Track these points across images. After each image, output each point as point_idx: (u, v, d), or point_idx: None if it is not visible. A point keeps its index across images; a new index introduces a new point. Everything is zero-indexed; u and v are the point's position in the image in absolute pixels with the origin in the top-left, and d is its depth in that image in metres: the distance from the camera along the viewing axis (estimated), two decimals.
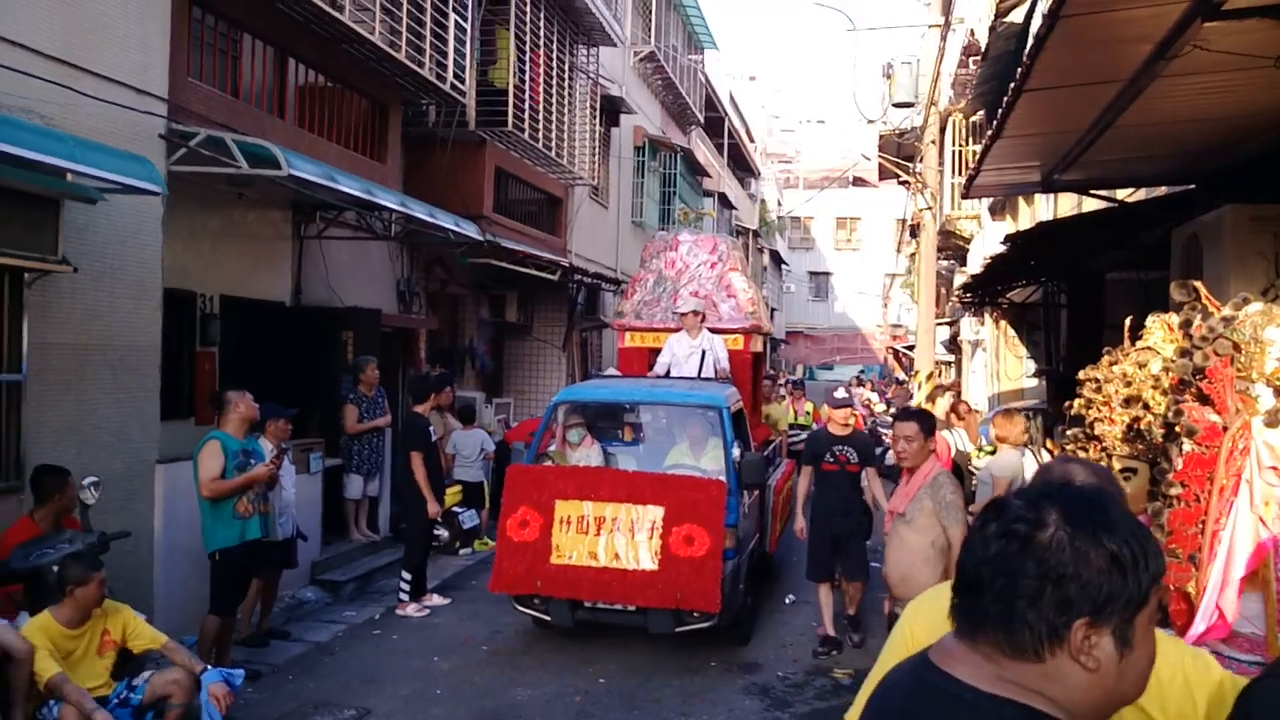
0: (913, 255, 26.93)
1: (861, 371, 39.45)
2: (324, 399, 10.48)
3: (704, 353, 9.07)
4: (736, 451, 7.54)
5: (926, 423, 5.75)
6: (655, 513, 6.94)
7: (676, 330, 9.51)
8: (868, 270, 48.81)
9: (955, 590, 1.44)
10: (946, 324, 24.74)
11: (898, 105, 21.11)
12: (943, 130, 19.54)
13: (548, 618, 7.27)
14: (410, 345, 13.33)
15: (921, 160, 19.82)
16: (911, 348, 26.13)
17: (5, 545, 5.60)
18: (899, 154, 22.36)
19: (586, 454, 8.18)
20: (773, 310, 44.59)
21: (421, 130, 12.92)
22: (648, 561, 6.85)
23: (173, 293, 8.13)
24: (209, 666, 5.53)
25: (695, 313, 9.22)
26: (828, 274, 53.33)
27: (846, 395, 8.63)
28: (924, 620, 2.04)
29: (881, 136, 23.09)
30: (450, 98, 11.95)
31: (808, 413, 16.76)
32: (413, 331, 13.29)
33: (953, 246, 21.93)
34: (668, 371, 9.13)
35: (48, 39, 6.49)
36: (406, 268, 13.22)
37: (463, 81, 12.14)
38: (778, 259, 46.81)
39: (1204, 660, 1.92)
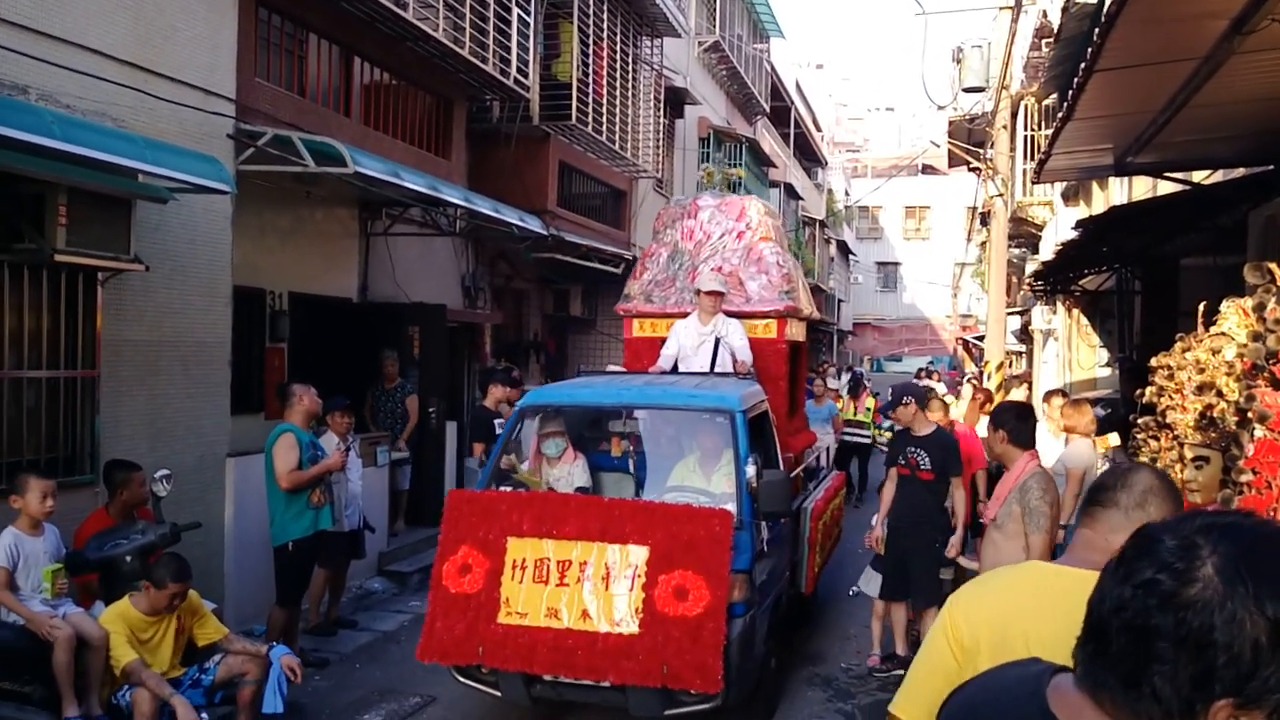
0: (983, 244, 26.42)
1: (930, 362, 38.86)
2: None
3: (717, 341, 7.30)
4: (751, 470, 5.69)
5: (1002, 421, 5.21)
6: (637, 555, 5.26)
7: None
8: (937, 260, 48.03)
9: (1082, 634, 1.23)
10: (1018, 313, 24.23)
11: (968, 90, 20.69)
12: (1014, 115, 19.11)
13: (498, 693, 5.60)
14: (476, 340, 13.45)
15: (992, 146, 19.42)
16: (981, 338, 25.67)
17: (81, 536, 5.78)
18: (969, 140, 21.95)
19: (568, 472, 6.60)
20: (839, 301, 44.23)
21: (486, 126, 13.01)
22: (626, 622, 5.16)
23: (242, 290, 8.31)
24: (275, 643, 5.70)
25: (715, 293, 7.39)
26: (896, 264, 52.61)
27: (910, 388, 7.43)
28: (962, 610, 2.00)
29: (951, 122, 22.70)
30: (514, 93, 12.02)
31: (868, 409, 15.19)
32: (478, 326, 13.41)
33: (1024, 234, 21.47)
34: (675, 367, 7.42)
35: (119, 43, 6.66)
36: (471, 263, 13.34)
37: (526, 76, 12.20)
38: (845, 249, 46.31)
39: None
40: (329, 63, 9.84)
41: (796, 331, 8.25)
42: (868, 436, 14.82)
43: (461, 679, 5.64)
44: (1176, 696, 1.10)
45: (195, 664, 5.41)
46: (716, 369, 7.21)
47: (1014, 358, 24.12)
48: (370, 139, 9.94)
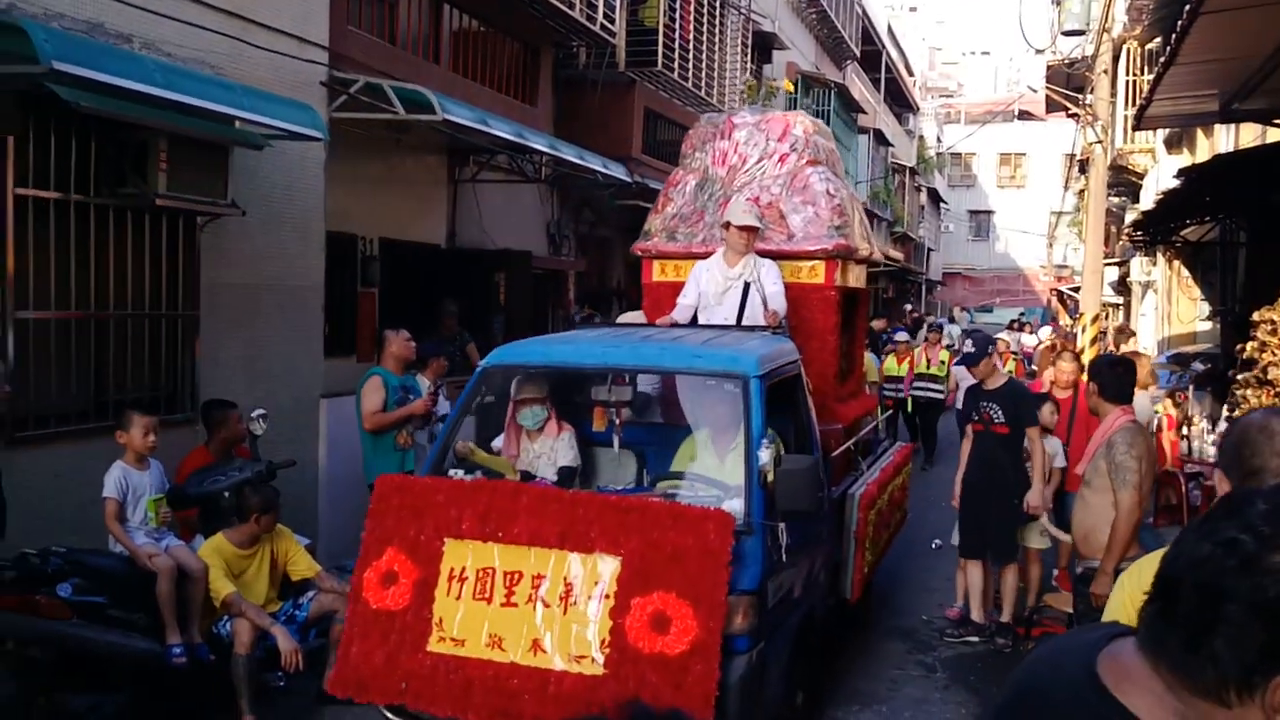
0: (1081, 192, 25.59)
1: (1022, 314, 37.93)
2: (477, 339, 10.79)
3: (746, 287, 5.89)
4: (766, 454, 4.33)
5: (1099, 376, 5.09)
6: (606, 568, 4.05)
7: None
8: (1032, 208, 46.65)
9: (1150, 590, 1.16)
10: (1115, 264, 23.50)
11: (1067, 34, 19.93)
12: (1116, 59, 18.38)
13: None
14: (560, 287, 13.56)
15: (1092, 91, 18.73)
16: (1077, 289, 24.96)
17: (182, 472, 6.04)
18: (1068, 85, 21.18)
19: (550, 448, 5.35)
20: (929, 250, 43.37)
21: (572, 72, 12.99)
22: (589, 658, 4.00)
23: (335, 235, 8.50)
24: None
25: (747, 229, 6.00)
26: (989, 212, 51.28)
27: (974, 350, 6.90)
28: (1128, 591, 1.95)
29: (1049, 67, 21.92)
30: (600, 38, 11.97)
31: (942, 362, 13.74)
32: (562, 273, 13.51)
33: (1124, 182, 20.76)
34: (694, 318, 6.11)
35: None
36: (556, 210, 13.41)
37: (613, 22, 12.12)
38: (936, 197, 45.28)
39: None
40: (419, 10, 9.91)
41: (853, 276, 6.85)
42: (941, 392, 13.60)
43: (391, 716, 4.29)
44: (1238, 664, 1.06)
45: (289, 599, 5.65)
46: (746, 321, 5.80)
47: (1111, 310, 23.45)
48: (458, 86, 10.01)
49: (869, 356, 10.72)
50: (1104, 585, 4.56)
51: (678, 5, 13.76)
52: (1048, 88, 22.18)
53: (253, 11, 7.11)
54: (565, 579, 4.08)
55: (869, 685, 6.10)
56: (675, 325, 5.94)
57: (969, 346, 7.00)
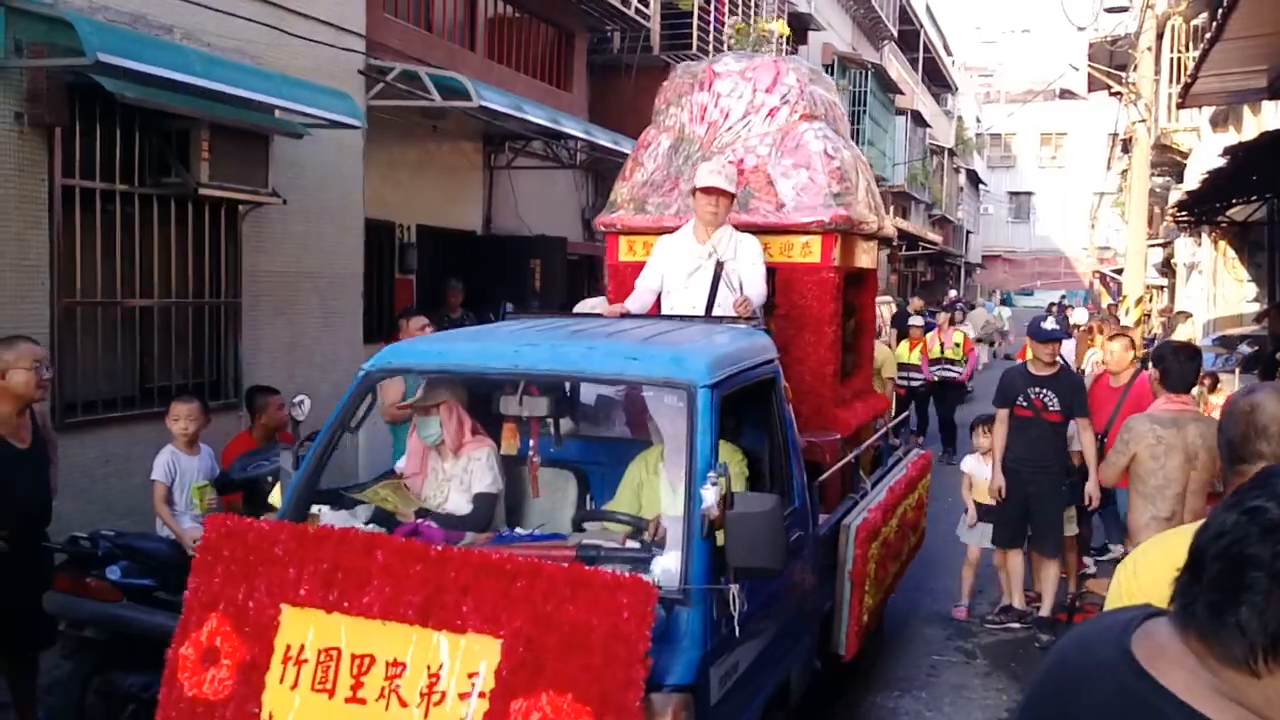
0: (1124, 172, 25.22)
1: (1063, 297, 37.47)
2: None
3: (719, 266, 4.77)
4: (711, 494, 3.08)
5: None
6: (481, 655, 2.96)
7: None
8: (1073, 189, 46.02)
9: (1183, 564, 1.17)
10: (1160, 245, 23.13)
11: (1109, 10, 19.67)
12: (1160, 36, 18.05)
13: None
14: (595, 273, 13.57)
15: (1135, 69, 18.41)
16: (1120, 271, 24.62)
17: (227, 458, 6.13)
18: (1111, 63, 20.84)
19: (463, 469, 4.16)
20: (968, 233, 42.91)
21: (606, 58, 12.98)
22: None
23: (372, 223, 8.57)
24: None
25: (717, 192, 4.80)
26: (1029, 194, 50.62)
27: (1056, 327, 6.68)
28: (1130, 572, 1.94)
29: (1091, 45, 21.57)
30: (634, 22, 11.95)
31: (956, 344, 12.78)
32: (597, 258, 13.51)
33: (1168, 162, 20.39)
34: (658, 304, 5.05)
35: None
36: (591, 196, 13.42)
37: (647, 5, 12.10)
38: (975, 179, 44.77)
39: None
40: None
41: (859, 254, 5.81)
42: (957, 373, 12.74)
43: None
44: (1263, 631, 1.05)
45: None
46: (718, 310, 4.77)
47: (1155, 292, 23.09)
48: (494, 72, 10.04)
49: (881, 347, 9.65)
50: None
51: (751, 24, 13.69)
52: (1090, 65, 21.82)
53: (291, 1, 7.16)
54: (429, 668, 2.99)
55: (908, 671, 6.06)
56: (627, 315, 4.78)
57: (1051, 324, 6.63)
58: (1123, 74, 19.55)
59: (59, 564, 4.70)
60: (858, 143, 21.12)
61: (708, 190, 4.81)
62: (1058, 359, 6.50)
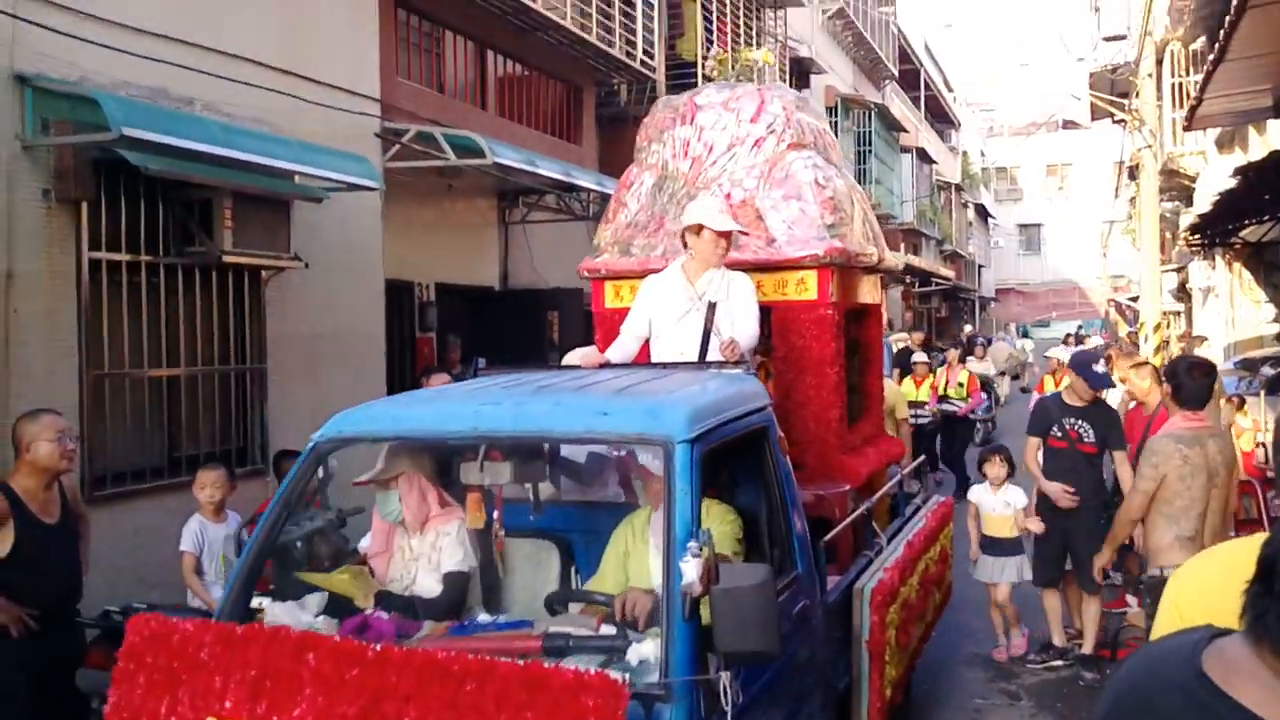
0: (1132, 199, 25.26)
1: (1079, 327, 37.32)
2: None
3: (711, 308, 4.36)
4: (692, 568, 2.60)
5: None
6: None
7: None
8: (1082, 219, 46.03)
9: (1253, 576, 1.16)
10: (1174, 270, 23.08)
11: (1108, 39, 19.82)
12: (1159, 62, 18.16)
13: None
14: None
15: (1137, 96, 18.52)
16: (1135, 298, 24.55)
17: (255, 524, 6.12)
18: (1112, 91, 20.96)
19: (431, 546, 3.77)
20: (980, 267, 42.93)
21: (614, 110, 13.13)
22: None
23: (392, 282, 8.63)
24: None
25: (708, 232, 4.45)
26: (1038, 225, 50.67)
27: (1106, 371, 6.43)
28: (1193, 593, 1.89)
29: (1092, 75, 21.72)
30: (640, 74, 12.10)
31: (960, 384, 12.22)
32: None
33: (1176, 186, 20.40)
34: (647, 351, 4.63)
35: (271, 52, 7.00)
36: None
37: (652, 57, 12.26)
38: (984, 213, 44.89)
39: None
40: (464, 58, 10.11)
41: (860, 289, 5.44)
42: (957, 406, 12.14)
43: None
44: None
45: None
46: (712, 355, 4.31)
47: (1171, 317, 23.00)
48: (505, 129, 10.16)
49: (891, 385, 9.24)
50: (1102, 558, 5.45)
51: (714, 36, 13.87)
52: (1091, 94, 21.95)
53: (306, 69, 7.29)
54: None
55: (951, 714, 5.94)
56: (607, 366, 4.34)
57: (1101, 368, 6.45)
58: (1125, 101, 19.65)
59: (91, 640, 4.67)
60: (864, 182, 21.32)
61: (721, 233, 4.47)
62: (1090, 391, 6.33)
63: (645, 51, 11.97)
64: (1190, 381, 4.90)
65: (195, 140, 5.64)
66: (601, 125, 13.04)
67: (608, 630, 3.04)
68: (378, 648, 2.70)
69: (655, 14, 12.39)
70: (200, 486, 5.48)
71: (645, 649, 2.81)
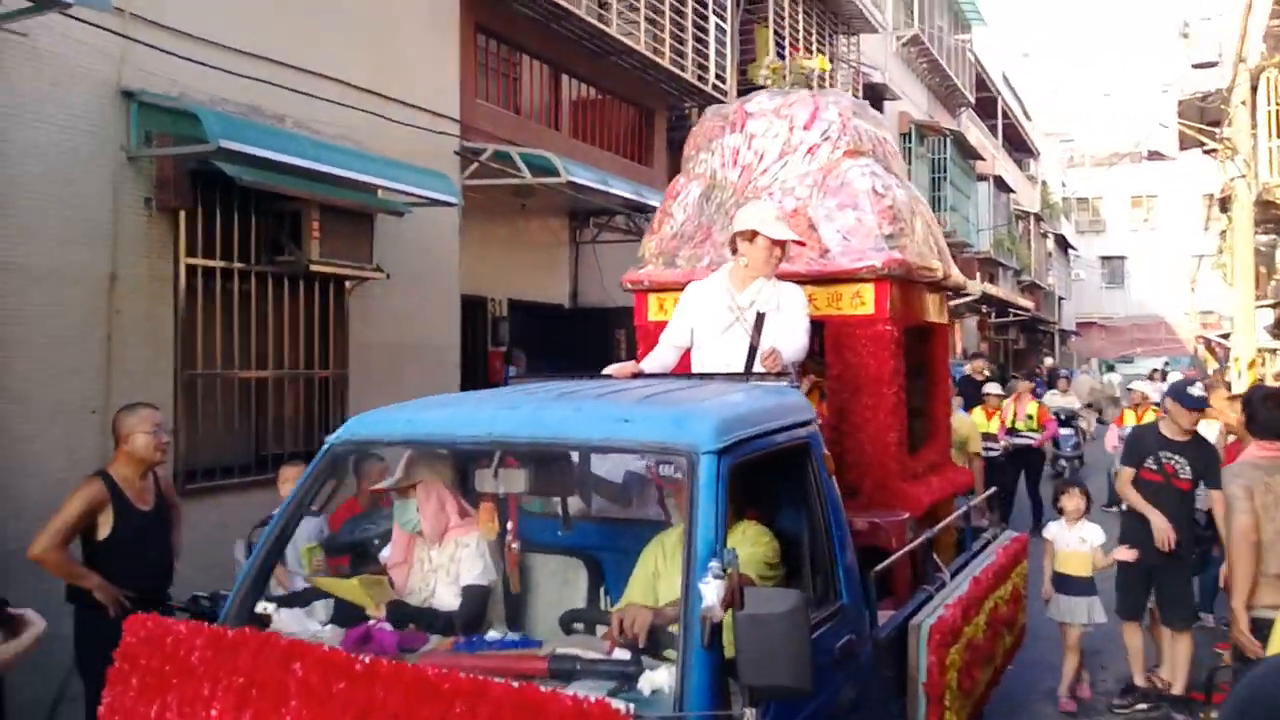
0: (1223, 232, 24.62)
1: (1165, 363, 36.27)
2: None
3: (759, 318, 4.15)
4: (713, 590, 2.34)
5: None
6: None
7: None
8: (1168, 252, 44.94)
9: None
10: (1270, 306, 22.37)
11: (1197, 66, 19.42)
12: (1254, 89, 17.76)
13: None
14: None
15: (1230, 124, 18.12)
16: (1227, 335, 23.84)
17: (335, 522, 6.38)
18: (1202, 120, 20.51)
19: (450, 558, 3.59)
20: (1060, 299, 42.11)
21: (684, 134, 13.26)
22: None
23: (467, 297, 8.91)
24: None
25: (763, 239, 4.21)
26: (1122, 258, 49.53)
27: (1205, 394, 6.16)
28: None
29: (1181, 103, 21.29)
30: (712, 98, 12.26)
31: (1029, 415, 11.96)
32: None
33: (1272, 218, 19.79)
34: (687, 361, 4.44)
35: (359, 73, 7.36)
36: None
37: (724, 81, 12.45)
38: (1064, 244, 44.06)
39: None
40: (540, 81, 10.42)
41: (924, 306, 5.13)
42: (1033, 438, 11.80)
43: None
44: None
45: None
46: (752, 367, 4.09)
47: (1267, 355, 22.26)
48: (578, 150, 10.43)
49: (961, 416, 8.87)
50: (1240, 625, 4.40)
51: (787, 61, 14.01)
52: (1180, 123, 21.51)
53: (391, 90, 7.63)
54: None
55: None
56: (639, 375, 4.14)
57: (1199, 390, 6.14)
58: (1216, 130, 19.22)
59: None
60: (938, 209, 21.19)
61: (777, 241, 4.23)
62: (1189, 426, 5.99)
63: (717, 75, 12.17)
64: (1265, 411, 4.82)
65: (287, 154, 5.97)
66: (672, 148, 13.23)
67: (621, 654, 2.77)
68: (366, 660, 2.54)
69: (727, 38, 12.60)
70: (284, 481, 5.74)
71: (659, 677, 2.57)
